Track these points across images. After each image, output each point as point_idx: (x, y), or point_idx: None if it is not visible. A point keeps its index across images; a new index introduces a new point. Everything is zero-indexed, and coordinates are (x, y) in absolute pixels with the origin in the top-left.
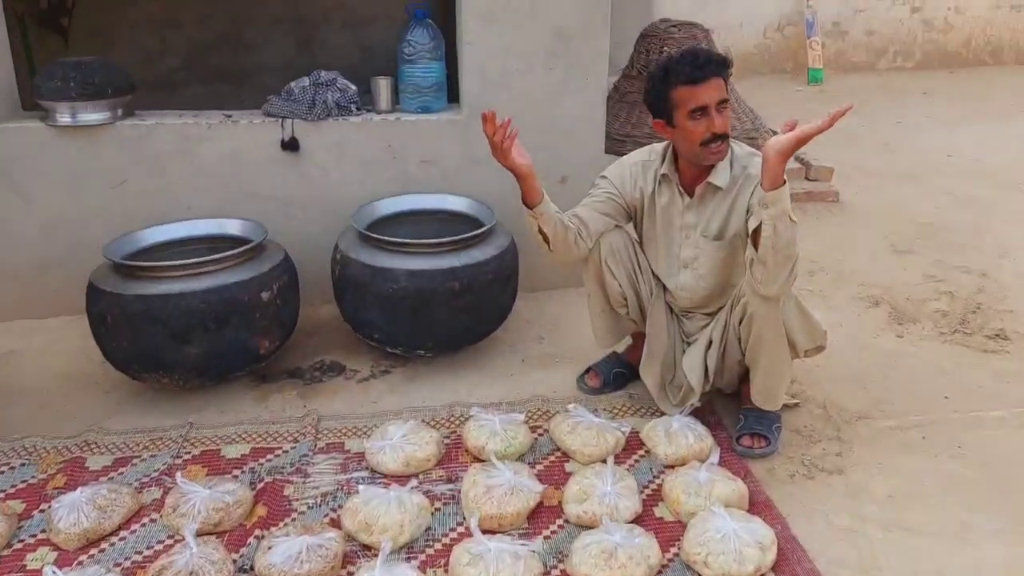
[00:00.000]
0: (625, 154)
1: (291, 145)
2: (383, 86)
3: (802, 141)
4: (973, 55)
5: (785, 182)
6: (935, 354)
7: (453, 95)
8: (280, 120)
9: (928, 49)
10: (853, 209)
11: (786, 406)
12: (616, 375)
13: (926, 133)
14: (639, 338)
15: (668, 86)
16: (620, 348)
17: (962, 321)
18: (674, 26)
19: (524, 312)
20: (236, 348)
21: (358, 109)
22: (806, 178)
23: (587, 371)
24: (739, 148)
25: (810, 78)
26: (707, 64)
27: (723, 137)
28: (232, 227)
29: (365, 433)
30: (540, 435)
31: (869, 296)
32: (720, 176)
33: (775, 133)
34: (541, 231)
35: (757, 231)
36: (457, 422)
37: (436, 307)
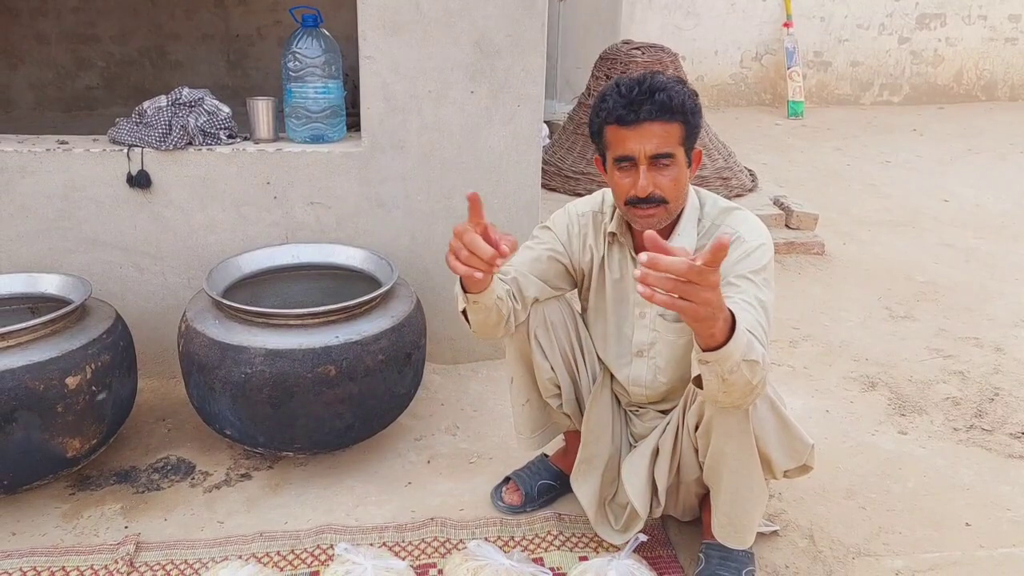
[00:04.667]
0: (581, 195)
1: (140, 180)
2: (261, 108)
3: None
4: (964, 90)
5: (735, 324)
6: (949, 459)
7: (357, 122)
8: (127, 149)
9: (916, 83)
10: (841, 263)
11: (761, 534)
12: (543, 487)
13: (918, 174)
14: (574, 439)
15: (600, 119)
16: (550, 450)
17: (978, 412)
18: (637, 48)
19: (439, 391)
20: (30, 452)
21: (230, 137)
22: (787, 226)
23: (506, 482)
24: (710, 201)
25: (790, 111)
26: (644, 102)
27: (653, 201)
28: (49, 284)
29: (194, 574)
30: None
31: (864, 376)
32: (682, 239)
33: (751, 173)
34: (465, 314)
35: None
36: (324, 557)
37: (304, 399)
